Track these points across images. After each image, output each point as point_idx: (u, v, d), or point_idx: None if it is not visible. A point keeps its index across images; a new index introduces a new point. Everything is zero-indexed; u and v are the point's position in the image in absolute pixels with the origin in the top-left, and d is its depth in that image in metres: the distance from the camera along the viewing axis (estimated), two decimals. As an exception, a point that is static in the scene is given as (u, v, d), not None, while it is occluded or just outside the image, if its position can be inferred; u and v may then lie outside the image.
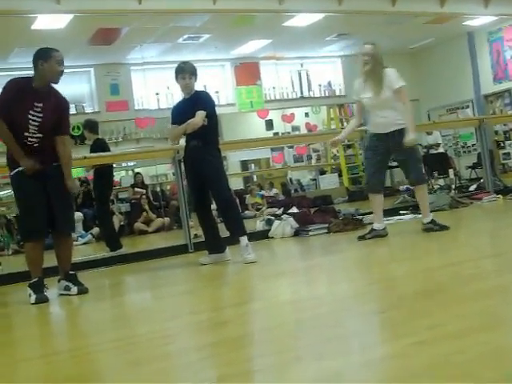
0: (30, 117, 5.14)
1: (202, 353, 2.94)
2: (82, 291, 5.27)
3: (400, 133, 6.32)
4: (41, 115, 5.18)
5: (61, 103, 5.39)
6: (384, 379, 2.18)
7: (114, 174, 9.34)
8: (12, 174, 5.22)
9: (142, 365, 2.78)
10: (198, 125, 6.05)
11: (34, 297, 5.09)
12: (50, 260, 5.50)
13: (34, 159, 5.16)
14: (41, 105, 5.18)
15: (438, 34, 16.61)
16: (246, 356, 2.77)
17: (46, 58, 5.20)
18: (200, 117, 6.07)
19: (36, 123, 5.17)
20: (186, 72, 6.25)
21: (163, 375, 2.58)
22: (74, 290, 5.27)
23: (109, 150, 8.67)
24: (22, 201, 5.27)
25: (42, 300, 5.07)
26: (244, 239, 6.10)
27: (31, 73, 5.27)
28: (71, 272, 5.41)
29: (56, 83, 5.32)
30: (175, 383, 2.52)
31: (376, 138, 6.50)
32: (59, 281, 5.42)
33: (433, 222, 6.49)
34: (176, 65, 6.39)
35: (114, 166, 9.39)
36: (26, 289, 5.21)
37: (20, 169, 5.15)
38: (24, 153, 5.14)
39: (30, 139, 5.19)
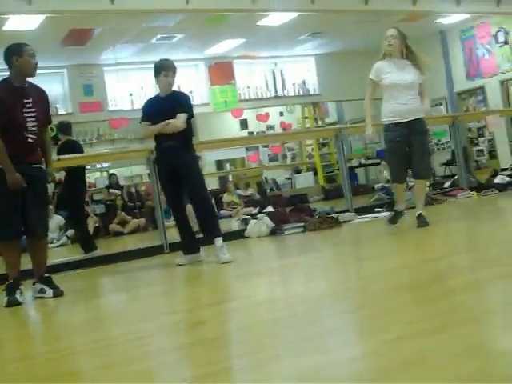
0: (25, 115, 5.16)
1: (180, 353, 2.93)
2: (58, 294, 5.21)
3: (421, 122, 6.48)
4: (33, 109, 5.21)
5: (43, 94, 5.45)
6: (361, 376, 2.19)
7: (89, 175, 9.30)
8: None
9: (119, 366, 2.77)
10: (179, 128, 6.05)
11: (5, 299, 5.04)
12: (26, 263, 5.44)
13: (20, 168, 5.12)
14: (29, 100, 5.21)
15: (410, 33, 16.42)
16: (223, 356, 2.77)
17: (20, 53, 5.21)
18: (182, 120, 6.07)
19: (33, 119, 5.21)
20: (170, 70, 6.21)
21: (140, 376, 2.57)
22: (50, 292, 5.22)
23: (80, 152, 8.59)
24: (1, 200, 5.15)
25: (12, 303, 5.01)
26: (219, 240, 6.09)
27: (2, 74, 5.25)
28: (46, 275, 5.35)
29: (33, 76, 5.32)
30: (152, 384, 2.51)
31: (398, 128, 6.42)
32: (34, 284, 5.36)
33: (419, 216, 6.52)
34: (150, 65, 6.36)
35: (89, 167, 9.35)
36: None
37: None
38: (17, 150, 5.11)
39: (31, 137, 5.21)
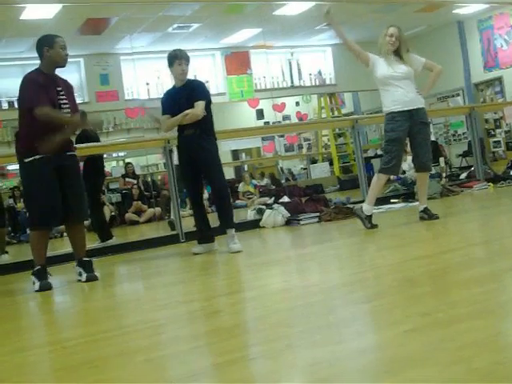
0: (60, 102, 5.31)
1: (195, 342, 2.94)
2: (91, 278, 5.35)
3: (423, 112, 6.46)
4: (65, 97, 5.37)
5: (68, 83, 5.58)
6: (376, 367, 2.19)
7: (106, 164, 9.34)
8: (27, 160, 5.21)
9: (135, 354, 2.79)
10: (198, 116, 6.09)
11: (37, 284, 5.16)
12: (52, 249, 5.53)
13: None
14: (60, 88, 5.37)
15: (428, 23, 16.60)
16: (238, 345, 2.78)
17: (51, 44, 5.36)
18: (200, 108, 6.10)
19: (67, 105, 5.37)
20: (183, 58, 6.23)
21: (155, 365, 2.59)
22: (84, 277, 5.36)
23: (97, 141, 8.62)
24: (37, 188, 5.27)
25: (46, 287, 5.14)
26: (231, 230, 6.19)
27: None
28: (86, 259, 5.51)
29: (64, 67, 5.45)
30: (168, 372, 2.52)
31: (400, 117, 6.36)
32: (75, 266, 5.51)
33: (425, 210, 6.50)
34: (166, 54, 6.36)
35: (105, 156, 9.39)
36: (30, 277, 5.28)
37: (37, 157, 5.18)
38: (56, 139, 5.22)
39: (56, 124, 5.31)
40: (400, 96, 6.36)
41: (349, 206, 8.17)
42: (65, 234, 9.53)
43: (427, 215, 6.45)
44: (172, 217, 8.40)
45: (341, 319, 2.97)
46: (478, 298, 2.93)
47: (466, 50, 17.55)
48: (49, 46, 5.32)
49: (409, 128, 6.37)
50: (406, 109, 6.34)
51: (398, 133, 6.38)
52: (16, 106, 5.57)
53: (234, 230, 6.21)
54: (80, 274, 5.40)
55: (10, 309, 4.84)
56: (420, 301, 3.04)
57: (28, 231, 7.17)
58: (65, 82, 5.51)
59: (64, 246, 5.64)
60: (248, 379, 2.30)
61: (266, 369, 2.36)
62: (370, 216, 6.46)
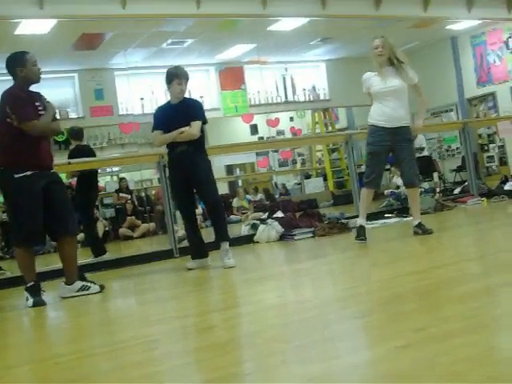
0: (40, 115, 5.30)
1: (188, 358, 2.94)
2: (102, 289, 5.43)
3: (406, 130, 6.46)
4: (43, 111, 5.33)
5: (41, 95, 5.50)
6: (369, 382, 2.19)
7: (99, 179, 9.34)
8: (18, 176, 5.16)
9: (129, 370, 2.78)
10: (194, 136, 6.13)
11: (31, 300, 5.14)
12: (45, 264, 5.52)
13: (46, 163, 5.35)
14: (38, 103, 5.34)
15: (421, 38, 16.67)
16: (232, 360, 2.77)
17: (24, 63, 5.30)
18: (197, 128, 6.14)
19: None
20: (182, 78, 6.23)
21: (150, 380, 2.58)
22: (95, 287, 5.40)
23: (92, 156, 8.61)
24: (23, 206, 5.22)
25: (39, 303, 5.12)
26: (226, 244, 6.17)
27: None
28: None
29: (38, 82, 5.42)
30: (161, 388, 2.52)
31: (383, 132, 6.42)
32: (70, 283, 5.42)
33: (419, 225, 6.52)
34: (161, 69, 6.40)
35: (99, 171, 9.40)
36: (23, 293, 5.27)
37: (28, 173, 5.16)
38: (42, 156, 5.28)
39: (43, 139, 5.35)
40: (389, 112, 6.41)
41: (343, 221, 8.17)
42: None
43: (421, 230, 6.45)
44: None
45: (335, 334, 2.97)
46: (471, 312, 2.93)
47: (459, 66, 17.64)
48: (22, 66, 5.27)
49: (391, 144, 6.42)
50: (390, 126, 6.39)
51: (378, 147, 6.47)
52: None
53: (228, 243, 6.20)
54: (85, 288, 5.39)
55: (2, 325, 4.82)
56: (413, 316, 3.04)
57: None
58: (39, 95, 5.45)
59: (57, 262, 5.61)
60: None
61: (260, 384, 2.35)
62: (362, 227, 6.50)
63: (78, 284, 5.39)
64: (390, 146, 6.45)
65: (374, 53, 6.49)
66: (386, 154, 6.55)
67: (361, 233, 6.48)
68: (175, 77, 6.21)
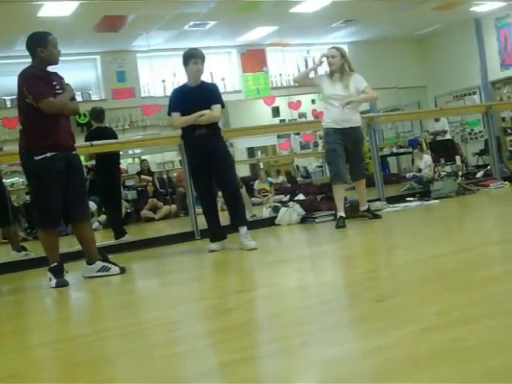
0: (57, 95, 5.31)
1: (209, 339, 2.95)
2: (123, 271, 5.47)
3: (355, 130, 7.11)
4: (61, 90, 5.35)
5: (59, 75, 5.52)
6: (390, 366, 2.18)
7: (121, 161, 9.37)
8: (38, 158, 5.18)
9: (150, 351, 2.79)
10: (217, 119, 6.27)
11: (54, 281, 5.19)
12: (67, 246, 5.56)
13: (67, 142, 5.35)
14: (55, 83, 5.34)
15: (445, 21, 16.53)
16: (251, 342, 2.78)
17: (45, 44, 5.32)
18: (219, 111, 6.24)
19: None
20: (198, 57, 6.26)
21: (169, 361, 2.59)
22: (116, 269, 5.43)
23: (113, 138, 8.62)
24: (44, 188, 5.26)
25: (62, 284, 5.18)
26: (244, 228, 6.20)
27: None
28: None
29: (57, 64, 5.45)
30: (181, 369, 2.53)
31: (335, 134, 7.03)
32: (90, 264, 5.47)
33: (368, 209, 7.30)
34: (182, 52, 6.38)
35: (121, 153, 9.43)
36: (46, 273, 5.33)
37: (49, 154, 5.19)
38: (62, 136, 5.28)
39: (64, 120, 5.35)
40: (336, 115, 7.03)
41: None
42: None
43: (371, 214, 7.29)
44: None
45: (355, 317, 2.97)
46: (494, 297, 2.91)
47: (483, 48, 17.46)
48: (42, 46, 5.29)
49: (343, 143, 7.05)
50: (339, 127, 7.03)
51: (333, 145, 7.10)
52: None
53: (246, 227, 6.22)
54: (105, 269, 5.43)
55: (26, 305, 4.88)
56: (435, 299, 3.02)
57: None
58: (56, 75, 5.47)
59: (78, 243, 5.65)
60: (262, 377, 2.31)
61: (280, 367, 2.35)
62: (341, 217, 7.01)
63: (99, 264, 5.43)
64: (344, 144, 7.04)
65: (328, 61, 7.25)
66: (342, 148, 7.06)
67: (341, 222, 6.94)
68: (191, 57, 6.25)
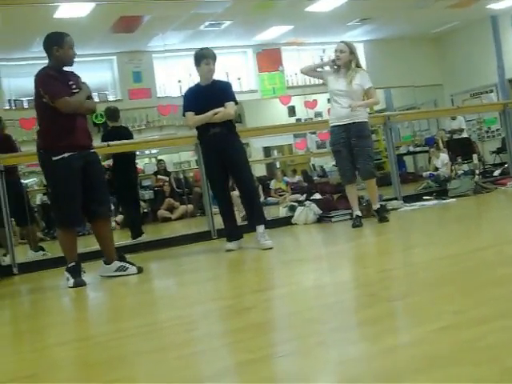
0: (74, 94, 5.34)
1: (226, 339, 2.96)
2: (140, 271, 5.49)
3: (359, 125, 6.88)
4: (79, 90, 5.38)
5: (76, 74, 5.55)
6: (407, 365, 2.18)
7: (138, 161, 9.39)
8: (56, 158, 5.21)
9: (167, 350, 2.80)
10: (231, 116, 6.28)
11: (72, 281, 5.21)
12: (85, 245, 5.59)
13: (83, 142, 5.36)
14: (72, 82, 5.37)
15: (461, 18, 16.45)
16: (268, 342, 2.78)
17: (61, 44, 5.35)
18: (233, 109, 6.26)
19: None
20: (210, 57, 6.29)
21: (186, 361, 2.60)
22: (133, 269, 5.45)
23: (129, 137, 8.66)
24: (62, 188, 5.29)
25: (79, 284, 5.19)
26: (262, 226, 6.19)
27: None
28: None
29: (71, 66, 5.47)
30: (198, 369, 2.53)
31: (339, 131, 6.91)
32: (108, 263, 5.50)
33: (378, 210, 7.09)
34: (196, 51, 6.41)
35: (138, 153, 9.46)
36: (64, 273, 5.36)
37: (66, 155, 5.21)
38: (79, 135, 5.30)
39: (80, 119, 5.37)
40: (337, 111, 6.96)
41: (381, 203, 8.12)
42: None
43: (380, 216, 7.00)
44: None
45: (372, 316, 2.96)
46: (511, 296, 2.90)
47: (500, 46, 17.36)
48: (58, 46, 5.32)
49: (346, 141, 6.88)
50: (340, 123, 6.92)
51: (336, 146, 7.05)
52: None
53: (263, 226, 6.22)
54: (123, 269, 5.45)
55: (44, 304, 4.91)
56: (452, 299, 3.01)
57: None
58: (73, 74, 5.50)
59: (96, 243, 5.67)
60: (278, 376, 2.31)
61: (297, 366, 2.35)
62: (358, 216, 6.99)
63: (116, 264, 5.45)
64: (348, 142, 6.91)
65: (335, 55, 7.04)
66: (346, 148, 6.94)
67: (357, 221, 6.88)
68: (202, 57, 6.27)
